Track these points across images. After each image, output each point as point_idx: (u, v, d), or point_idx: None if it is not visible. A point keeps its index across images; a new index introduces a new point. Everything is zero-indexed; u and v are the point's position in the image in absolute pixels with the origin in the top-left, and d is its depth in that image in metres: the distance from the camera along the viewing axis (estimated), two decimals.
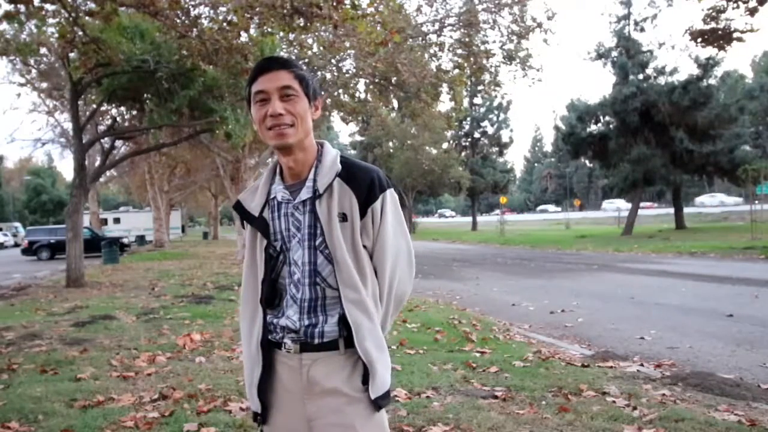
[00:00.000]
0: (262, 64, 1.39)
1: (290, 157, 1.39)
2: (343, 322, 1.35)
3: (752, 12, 15.63)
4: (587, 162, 56.90)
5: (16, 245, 36.48)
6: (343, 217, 1.37)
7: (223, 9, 9.49)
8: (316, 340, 1.36)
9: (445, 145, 42.98)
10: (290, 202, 1.40)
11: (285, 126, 1.34)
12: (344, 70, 15.96)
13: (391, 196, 1.41)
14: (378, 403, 1.35)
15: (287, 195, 1.41)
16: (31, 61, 15.88)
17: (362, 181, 1.37)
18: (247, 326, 1.44)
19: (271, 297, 1.41)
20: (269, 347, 1.40)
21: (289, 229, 1.40)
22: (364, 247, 1.39)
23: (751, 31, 16.01)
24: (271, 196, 1.43)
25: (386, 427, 1.40)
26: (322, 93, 16.09)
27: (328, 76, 16.09)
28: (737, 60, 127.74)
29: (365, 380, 1.34)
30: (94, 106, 13.10)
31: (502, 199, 38.66)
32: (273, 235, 1.41)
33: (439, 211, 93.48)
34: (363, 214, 1.37)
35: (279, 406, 1.39)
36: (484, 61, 15.72)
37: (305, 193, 1.39)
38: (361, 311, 1.35)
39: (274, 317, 1.40)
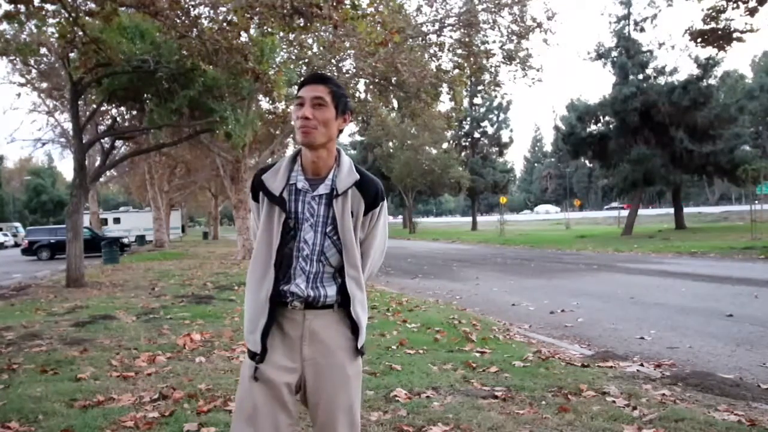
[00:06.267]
0: (307, 77, 1.76)
1: (315, 153, 1.71)
2: (342, 292, 1.73)
3: (752, 12, 15.64)
4: (587, 162, 56.91)
5: (16, 245, 36.48)
6: (351, 214, 1.73)
7: (223, 9, 9.50)
8: (319, 304, 1.72)
9: (445, 145, 42.97)
10: (308, 193, 1.72)
11: (310, 128, 1.66)
12: (344, 70, 15.96)
13: (384, 204, 1.83)
14: (361, 350, 1.79)
15: (307, 186, 1.73)
16: (31, 61, 15.88)
17: (371, 191, 1.76)
18: (255, 283, 1.73)
19: (280, 262, 1.72)
20: (274, 304, 1.70)
21: (303, 213, 1.72)
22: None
23: (751, 31, 16.03)
24: (291, 182, 1.74)
25: (361, 367, 1.83)
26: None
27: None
28: (737, 60, 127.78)
29: (353, 332, 1.75)
30: (94, 106, 13.09)
31: (502, 200, 38.63)
32: (288, 213, 1.72)
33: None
34: (365, 214, 1.76)
35: (277, 348, 1.71)
36: (484, 61, 15.73)
37: (323, 189, 1.72)
38: (357, 285, 1.75)
39: (284, 284, 1.71)
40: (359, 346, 1.78)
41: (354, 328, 1.75)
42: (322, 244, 1.71)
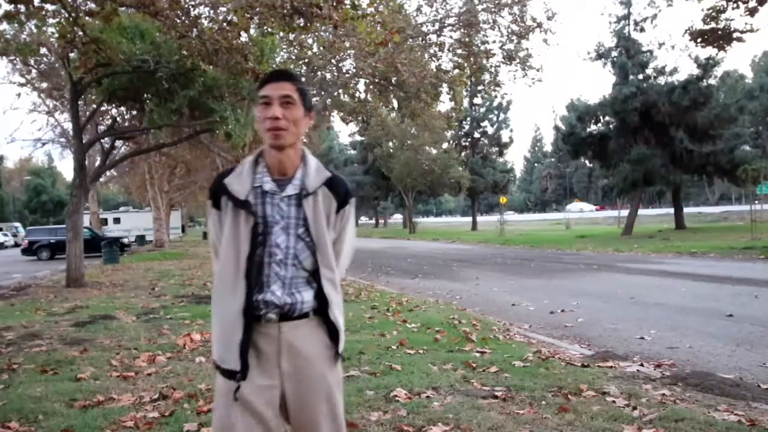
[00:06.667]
0: (270, 74, 1.67)
1: (282, 153, 1.64)
2: (319, 296, 1.65)
3: (752, 12, 15.65)
4: (587, 162, 56.93)
5: (16, 245, 36.48)
6: (323, 214, 1.67)
7: (223, 9, 9.49)
8: (296, 313, 1.64)
9: (445, 145, 42.97)
10: (276, 194, 1.64)
11: (281, 129, 1.59)
12: (344, 70, 15.95)
13: (353, 202, 1.79)
14: (341, 356, 1.73)
15: (274, 187, 1.65)
16: (31, 61, 15.85)
17: (341, 190, 1.71)
18: (225, 296, 1.64)
19: (250, 271, 1.62)
20: (249, 317, 1.61)
21: (273, 216, 1.63)
22: None
23: (751, 31, 16.04)
24: (256, 185, 1.65)
25: (341, 373, 1.77)
26: (322, 93, 16.20)
27: (328, 76, 16.09)
28: (737, 60, 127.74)
29: (331, 338, 1.69)
30: (94, 106, 13.09)
31: (502, 199, 38.63)
32: (256, 218, 1.62)
33: None
34: (336, 212, 1.71)
35: (252, 367, 1.61)
36: (484, 61, 15.72)
37: (291, 189, 1.65)
38: (333, 287, 1.68)
39: (258, 294, 1.61)
40: (339, 351, 1.71)
41: (332, 334, 1.68)
42: (295, 247, 1.63)
